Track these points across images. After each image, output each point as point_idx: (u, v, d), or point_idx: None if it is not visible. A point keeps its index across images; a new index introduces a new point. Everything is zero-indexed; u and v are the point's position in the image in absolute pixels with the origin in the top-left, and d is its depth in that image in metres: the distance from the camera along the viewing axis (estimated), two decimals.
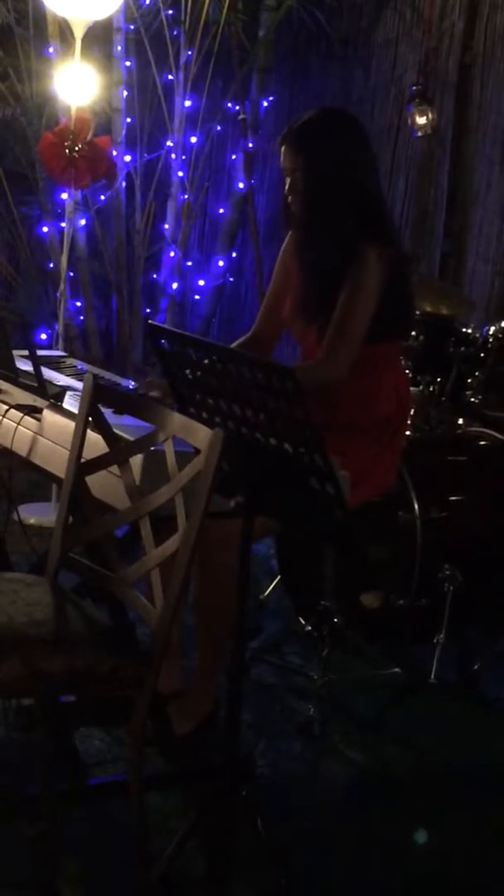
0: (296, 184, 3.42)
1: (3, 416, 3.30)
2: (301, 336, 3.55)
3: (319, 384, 3.30)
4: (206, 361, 2.57)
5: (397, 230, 4.30)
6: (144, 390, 3.32)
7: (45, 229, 6.73)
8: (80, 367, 3.86)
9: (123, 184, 6.73)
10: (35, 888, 2.73)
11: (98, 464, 2.74)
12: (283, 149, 3.44)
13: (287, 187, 3.45)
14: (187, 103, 6.66)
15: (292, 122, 3.48)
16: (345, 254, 3.35)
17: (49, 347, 5.89)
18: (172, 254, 6.83)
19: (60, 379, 3.53)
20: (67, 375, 3.61)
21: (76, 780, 3.03)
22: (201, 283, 7.09)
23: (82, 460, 2.73)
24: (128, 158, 6.70)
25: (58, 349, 5.22)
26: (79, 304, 6.80)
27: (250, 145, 6.81)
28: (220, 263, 7.11)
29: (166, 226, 6.84)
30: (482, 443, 4.37)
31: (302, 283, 3.48)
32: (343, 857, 3.02)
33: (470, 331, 4.62)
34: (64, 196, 6.03)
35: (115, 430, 2.75)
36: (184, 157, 6.74)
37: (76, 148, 5.10)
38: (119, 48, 6.53)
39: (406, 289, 3.49)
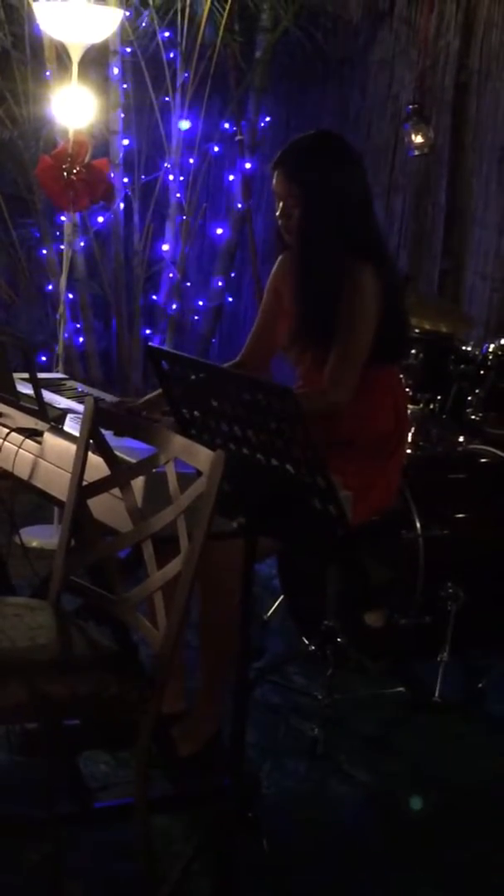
0: (287, 211, 3.42)
1: (4, 440, 3.30)
2: (296, 362, 3.54)
3: (325, 411, 3.30)
4: (206, 383, 2.57)
5: (392, 256, 4.31)
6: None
7: (44, 251, 6.74)
8: (80, 389, 3.86)
9: (121, 205, 6.74)
10: None
11: (100, 486, 2.74)
12: (275, 174, 3.43)
13: (278, 212, 3.46)
14: (185, 125, 6.67)
15: (285, 146, 3.46)
16: (339, 282, 3.35)
17: (49, 369, 5.89)
18: (171, 275, 6.84)
19: (61, 402, 3.53)
20: (68, 398, 3.61)
21: (81, 804, 3.02)
22: (200, 303, 7.10)
23: (84, 483, 2.73)
24: (126, 180, 6.72)
25: (58, 371, 5.22)
26: (78, 325, 6.81)
27: (248, 166, 6.83)
28: (219, 284, 7.12)
29: (165, 247, 6.85)
30: (483, 460, 4.37)
31: (297, 311, 3.46)
32: (348, 877, 3.01)
33: (469, 348, 4.63)
34: (62, 218, 6.04)
35: (117, 453, 2.76)
36: (181, 179, 6.75)
37: (74, 170, 5.11)
38: (116, 71, 6.55)
39: (401, 310, 3.49)
